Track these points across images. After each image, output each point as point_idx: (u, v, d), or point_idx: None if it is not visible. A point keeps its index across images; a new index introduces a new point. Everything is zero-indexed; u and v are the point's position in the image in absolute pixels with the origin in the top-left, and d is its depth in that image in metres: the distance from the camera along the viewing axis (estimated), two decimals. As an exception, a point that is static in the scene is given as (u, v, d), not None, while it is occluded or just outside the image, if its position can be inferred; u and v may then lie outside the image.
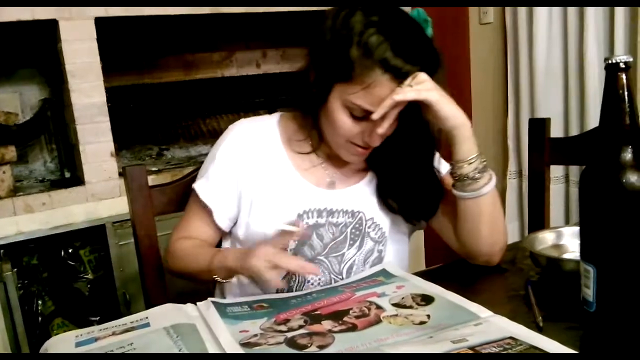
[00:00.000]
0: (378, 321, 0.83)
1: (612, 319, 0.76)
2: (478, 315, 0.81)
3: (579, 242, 0.81)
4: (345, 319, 0.84)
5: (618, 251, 0.74)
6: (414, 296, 0.91)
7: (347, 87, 0.96)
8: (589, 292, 0.77)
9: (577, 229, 0.99)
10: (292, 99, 1.14)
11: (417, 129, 1.04)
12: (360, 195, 1.12)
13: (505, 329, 0.76)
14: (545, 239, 1.12)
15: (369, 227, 1.11)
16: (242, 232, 1.10)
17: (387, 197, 1.11)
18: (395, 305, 0.88)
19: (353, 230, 1.10)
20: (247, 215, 1.09)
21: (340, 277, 1.09)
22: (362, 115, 0.98)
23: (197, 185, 1.11)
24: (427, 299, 0.89)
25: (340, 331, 0.80)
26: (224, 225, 1.11)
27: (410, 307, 0.87)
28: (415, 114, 1.00)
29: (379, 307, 0.88)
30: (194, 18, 2.16)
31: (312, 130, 1.09)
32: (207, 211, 1.10)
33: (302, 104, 1.09)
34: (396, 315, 0.85)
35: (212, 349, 0.76)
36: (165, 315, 0.87)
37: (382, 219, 1.12)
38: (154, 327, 0.84)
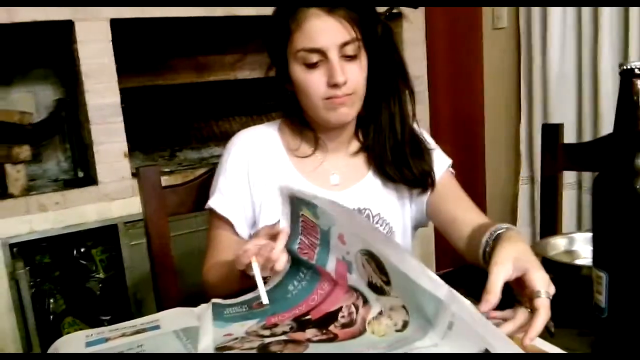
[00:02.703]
0: (362, 331, 0.80)
1: (624, 325, 0.76)
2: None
3: (591, 248, 0.81)
4: (330, 327, 0.82)
5: (631, 257, 0.74)
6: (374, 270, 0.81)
7: (291, 44, 1.03)
8: (601, 298, 0.77)
9: (589, 235, 0.98)
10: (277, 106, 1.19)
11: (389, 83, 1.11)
12: (365, 193, 1.13)
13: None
14: (558, 245, 1.12)
15: (376, 223, 1.12)
16: (253, 232, 1.10)
17: (386, 166, 1.12)
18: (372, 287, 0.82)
19: None
20: (258, 216, 1.11)
21: None
22: (316, 61, 1.02)
23: (212, 202, 1.12)
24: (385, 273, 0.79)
25: (319, 341, 0.78)
26: (245, 234, 1.12)
27: (382, 289, 0.80)
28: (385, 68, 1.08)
29: (365, 300, 0.82)
30: (207, 20, 2.17)
31: (304, 130, 1.12)
32: (229, 224, 1.11)
33: (281, 102, 1.13)
34: (380, 315, 0.80)
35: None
36: (176, 318, 0.87)
37: (389, 215, 1.14)
38: (164, 329, 0.84)
